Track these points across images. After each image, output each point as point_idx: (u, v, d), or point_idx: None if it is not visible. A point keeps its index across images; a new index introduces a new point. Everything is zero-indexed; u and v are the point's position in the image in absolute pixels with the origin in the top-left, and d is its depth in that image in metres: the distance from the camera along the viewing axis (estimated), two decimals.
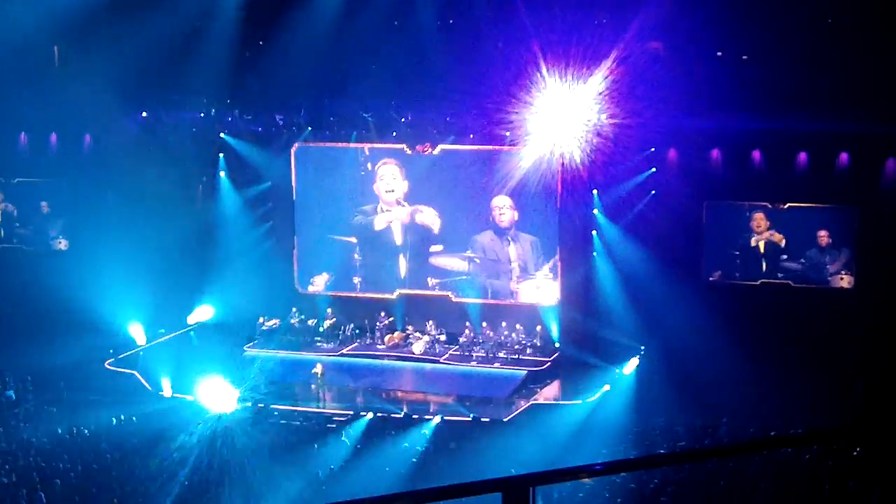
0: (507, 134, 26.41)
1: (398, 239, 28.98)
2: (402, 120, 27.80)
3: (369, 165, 28.88)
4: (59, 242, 30.85)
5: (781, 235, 26.68)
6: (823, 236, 26.39)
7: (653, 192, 26.66)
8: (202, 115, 28.05)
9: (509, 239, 28.21)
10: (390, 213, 28.94)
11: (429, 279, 28.76)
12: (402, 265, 29.02)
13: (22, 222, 31.01)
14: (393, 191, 28.82)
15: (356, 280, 29.38)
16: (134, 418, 23.14)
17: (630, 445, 21.25)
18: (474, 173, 28.12)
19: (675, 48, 25.42)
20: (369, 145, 28.70)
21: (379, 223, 29.07)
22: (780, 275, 26.73)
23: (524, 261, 28.19)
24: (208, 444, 21.91)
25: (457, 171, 28.27)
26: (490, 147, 27.53)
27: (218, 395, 24.56)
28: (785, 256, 26.73)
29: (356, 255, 29.26)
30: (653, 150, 26.48)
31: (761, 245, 26.87)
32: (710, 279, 27.05)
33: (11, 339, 26.32)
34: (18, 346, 25.99)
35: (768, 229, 26.78)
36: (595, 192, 27.21)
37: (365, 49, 26.62)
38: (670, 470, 18.26)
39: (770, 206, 26.75)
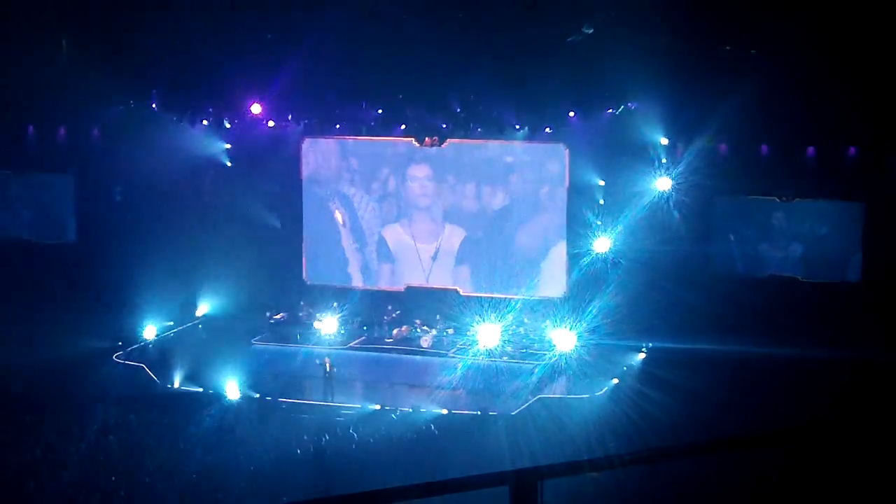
0: (517, 127, 26.44)
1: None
2: (409, 113, 27.73)
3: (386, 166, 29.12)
4: (68, 235, 30.83)
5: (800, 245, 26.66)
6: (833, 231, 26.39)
7: (663, 182, 26.57)
8: (211, 109, 27.96)
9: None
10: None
11: None
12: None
13: (31, 215, 31.01)
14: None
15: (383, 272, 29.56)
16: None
17: (638, 439, 21.23)
18: (487, 168, 28.26)
19: (684, 43, 25.36)
20: (378, 139, 28.71)
21: (391, 234, 29.28)
22: (791, 270, 26.68)
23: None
24: (216, 436, 21.99)
25: (469, 166, 28.40)
26: (499, 141, 27.57)
27: (228, 388, 24.74)
28: (798, 254, 26.69)
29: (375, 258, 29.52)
30: (665, 141, 26.42)
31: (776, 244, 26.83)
32: (718, 273, 27.00)
33: (19, 332, 26.35)
34: (26, 340, 26.03)
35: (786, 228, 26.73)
36: (603, 183, 27.20)
37: (373, 43, 26.54)
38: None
39: (778, 200, 26.72)
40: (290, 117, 28.06)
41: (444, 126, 27.66)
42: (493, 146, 28.05)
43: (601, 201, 27.26)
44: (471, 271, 28.79)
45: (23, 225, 31.05)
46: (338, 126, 28.62)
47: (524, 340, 26.96)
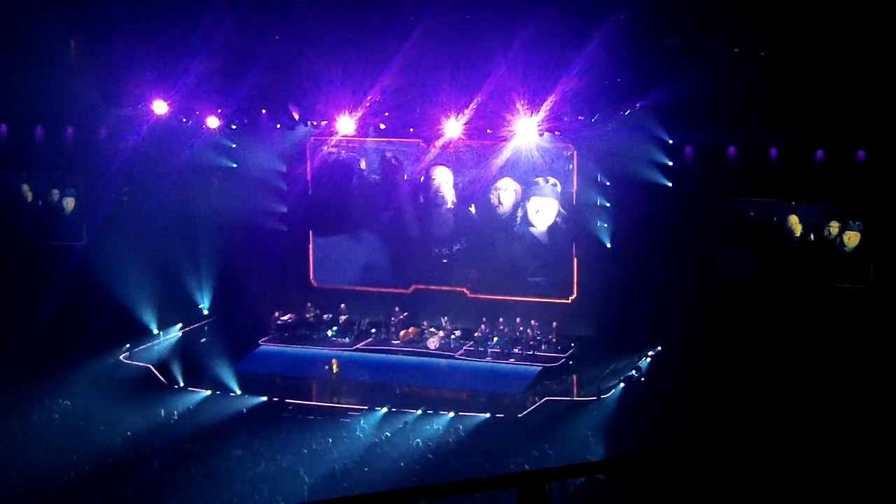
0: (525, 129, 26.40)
1: None
2: (417, 114, 27.63)
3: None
4: (76, 236, 30.81)
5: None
6: (850, 236, 26.27)
7: (670, 184, 26.49)
8: (219, 109, 27.91)
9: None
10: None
11: None
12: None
13: (38, 215, 30.99)
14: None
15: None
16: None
17: (645, 442, 21.21)
18: (495, 170, 28.34)
19: (691, 44, 25.34)
20: (385, 140, 28.68)
21: (395, 235, 29.44)
22: (796, 274, 26.59)
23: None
24: (223, 438, 22.00)
25: (477, 168, 28.46)
26: (507, 143, 27.53)
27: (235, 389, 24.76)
28: (803, 257, 26.60)
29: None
30: (670, 142, 26.35)
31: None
32: (725, 276, 26.92)
33: (24, 332, 26.38)
34: (31, 340, 26.06)
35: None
36: (608, 183, 27.17)
37: (380, 43, 26.53)
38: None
39: (786, 203, 26.62)
40: (296, 117, 27.94)
41: (452, 127, 27.55)
42: (502, 148, 27.96)
43: (608, 203, 27.21)
44: (478, 273, 28.72)
45: (30, 226, 31.01)
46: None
47: (532, 343, 26.91)
